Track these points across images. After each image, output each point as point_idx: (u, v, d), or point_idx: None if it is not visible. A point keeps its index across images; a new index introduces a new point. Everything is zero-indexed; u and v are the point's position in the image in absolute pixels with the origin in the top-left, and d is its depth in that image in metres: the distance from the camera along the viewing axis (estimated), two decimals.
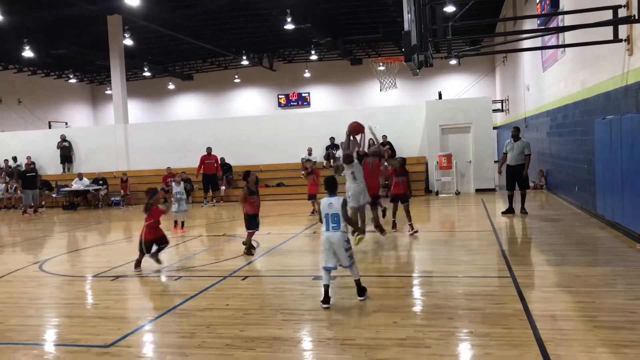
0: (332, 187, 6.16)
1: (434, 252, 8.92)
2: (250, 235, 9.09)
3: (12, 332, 5.60)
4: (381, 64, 11.91)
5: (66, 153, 22.22)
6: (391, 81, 11.94)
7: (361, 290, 6.01)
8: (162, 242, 8.39)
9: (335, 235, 5.87)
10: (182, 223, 12.38)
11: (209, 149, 18.98)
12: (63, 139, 22.25)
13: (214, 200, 18.84)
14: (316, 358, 4.57)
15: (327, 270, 5.91)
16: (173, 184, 12.29)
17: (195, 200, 19.46)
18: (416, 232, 10.23)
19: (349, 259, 5.92)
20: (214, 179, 18.91)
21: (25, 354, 4.96)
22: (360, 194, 9.19)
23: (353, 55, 31.69)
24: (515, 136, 12.18)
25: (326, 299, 5.79)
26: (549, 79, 15.35)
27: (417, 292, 6.62)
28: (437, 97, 20.89)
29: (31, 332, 5.62)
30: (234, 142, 20.62)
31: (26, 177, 18.62)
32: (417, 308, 5.88)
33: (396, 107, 22.84)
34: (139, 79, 35.10)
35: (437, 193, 17.82)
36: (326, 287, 5.85)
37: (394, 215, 10.78)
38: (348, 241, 5.96)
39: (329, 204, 5.97)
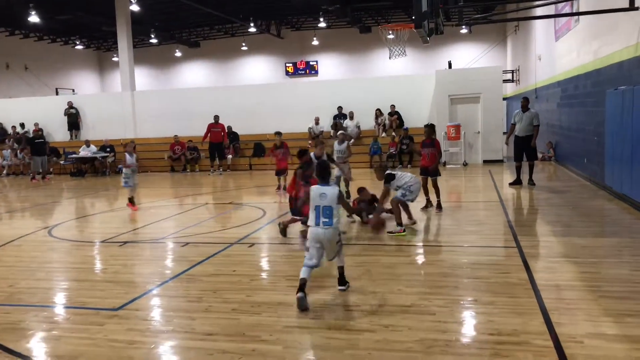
0: (324, 173, 5.24)
1: (441, 221, 8.92)
2: (294, 221, 7.93)
3: (22, 295, 5.70)
4: (391, 31, 11.71)
5: (73, 120, 22.25)
6: (401, 49, 11.76)
7: (343, 279, 5.28)
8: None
9: (327, 233, 4.96)
10: (132, 199, 11.12)
11: (216, 117, 18.91)
12: (70, 105, 22.25)
13: (221, 169, 18.87)
14: (321, 323, 4.63)
15: (310, 267, 5.01)
16: (126, 154, 10.77)
17: (202, 169, 19.51)
18: (440, 210, 9.48)
19: (338, 251, 5.15)
20: (221, 147, 18.89)
21: (35, 315, 5.05)
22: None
23: (362, 22, 31.18)
24: (524, 107, 12.03)
25: (301, 291, 4.86)
26: (561, 49, 15.08)
27: (423, 261, 6.64)
28: (447, 67, 20.62)
29: (41, 295, 5.71)
30: (241, 111, 20.51)
31: (35, 143, 18.70)
32: (423, 276, 5.91)
33: (405, 76, 22.60)
34: (145, 46, 34.77)
35: (444, 164, 17.74)
36: (303, 280, 4.92)
37: (425, 191, 9.71)
38: (340, 234, 5.14)
39: (321, 194, 5.01)
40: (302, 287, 4.88)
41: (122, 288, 5.78)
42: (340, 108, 19.66)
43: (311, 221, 5.05)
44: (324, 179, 5.18)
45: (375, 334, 4.26)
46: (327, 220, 4.95)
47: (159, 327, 4.71)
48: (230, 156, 19.39)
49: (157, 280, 6.06)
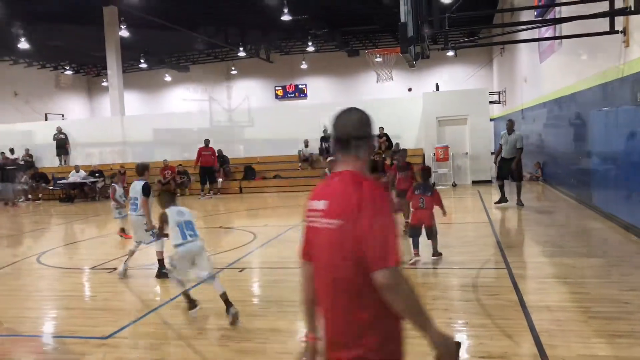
0: (171, 198, 5.99)
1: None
2: None
3: (11, 324, 5.62)
4: (378, 55, 11.87)
5: (62, 145, 22.15)
6: (387, 73, 11.92)
7: (229, 302, 5.30)
8: None
9: (196, 245, 5.56)
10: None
11: (206, 141, 18.94)
12: (59, 131, 22.18)
13: (211, 193, 18.84)
14: None
15: (179, 281, 5.56)
16: (115, 186, 10.70)
17: (193, 193, 19.46)
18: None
19: (210, 267, 5.60)
20: (212, 170, 18.89)
21: (24, 345, 4.98)
22: None
23: (350, 46, 31.58)
24: (510, 129, 12.18)
25: (191, 304, 5.53)
26: (546, 71, 15.35)
27: (413, 283, 6.64)
28: (435, 89, 20.88)
29: (30, 324, 5.65)
30: (231, 134, 20.57)
31: (4, 170, 18.98)
32: None
33: (393, 99, 22.82)
34: (135, 70, 34.93)
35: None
36: (186, 293, 5.56)
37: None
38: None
39: (178, 211, 5.71)
40: (189, 300, 5.53)
41: (112, 316, 5.73)
42: (325, 130, 19.57)
43: (177, 240, 5.48)
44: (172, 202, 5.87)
45: None
46: (192, 233, 5.53)
47: (148, 356, 4.67)
48: (220, 180, 19.38)
49: (146, 307, 6.02)
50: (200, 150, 18.78)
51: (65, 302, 6.53)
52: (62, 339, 5.15)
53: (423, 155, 18.61)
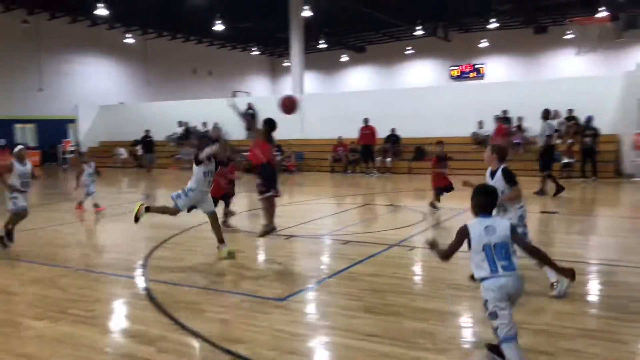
0: (491, 201, 3.77)
1: (621, 239, 7.91)
2: None
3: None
4: (579, 26, 10.69)
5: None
6: (592, 44, 10.68)
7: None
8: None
9: (514, 280, 3.50)
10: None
11: (365, 120, 19.02)
12: (250, 107, 23.69)
13: (375, 171, 18.86)
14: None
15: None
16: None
17: (364, 170, 19.65)
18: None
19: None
20: (370, 149, 18.95)
21: (210, 298, 5.38)
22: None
23: (537, 22, 29.17)
24: None
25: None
26: None
27: (597, 282, 5.89)
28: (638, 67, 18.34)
29: (211, 279, 6.09)
30: (404, 114, 20.27)
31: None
32: (599, 298, 5.23)
33: (585, 78, 20.61)
34: (313, 51, 36.36)
35: (630, 177, 15.78)
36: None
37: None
38: None
39: (487, 227, 3.59)
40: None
41: (286, 280, 5.96)
42: (504, 111, 18.26)
43: (486, 272, 3.54)
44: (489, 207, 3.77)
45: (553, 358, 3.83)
46: (506, 263, 3.50)
47: (321, 322, 4.73)
48: (389, 159, 19.31)
49: (318, 275, 6.16)
50: (360, 129, 18.89)
51: (241, 263, 6.97)
52: (242, 296, 5.44)
53: (618, 143, 16.56)
